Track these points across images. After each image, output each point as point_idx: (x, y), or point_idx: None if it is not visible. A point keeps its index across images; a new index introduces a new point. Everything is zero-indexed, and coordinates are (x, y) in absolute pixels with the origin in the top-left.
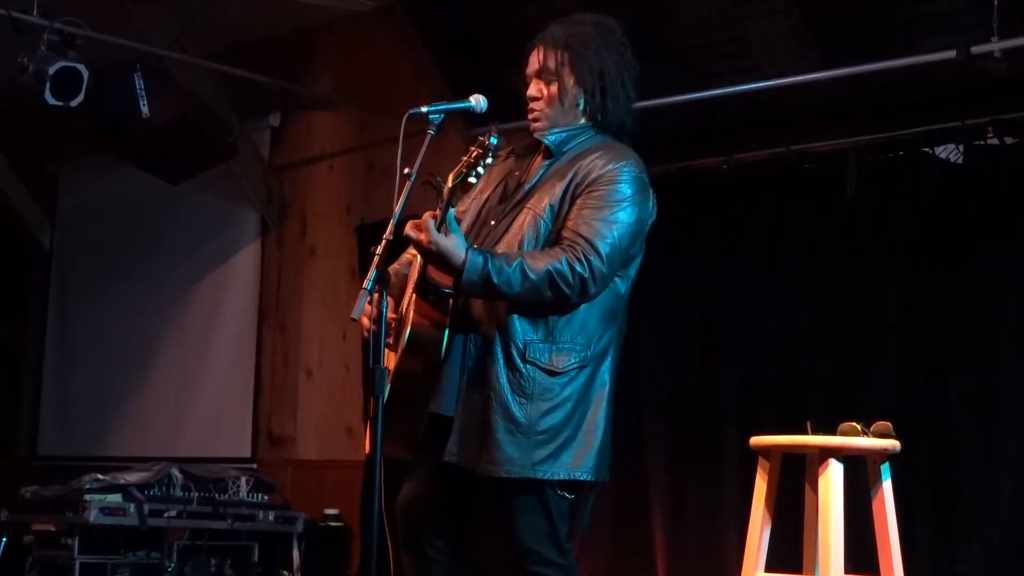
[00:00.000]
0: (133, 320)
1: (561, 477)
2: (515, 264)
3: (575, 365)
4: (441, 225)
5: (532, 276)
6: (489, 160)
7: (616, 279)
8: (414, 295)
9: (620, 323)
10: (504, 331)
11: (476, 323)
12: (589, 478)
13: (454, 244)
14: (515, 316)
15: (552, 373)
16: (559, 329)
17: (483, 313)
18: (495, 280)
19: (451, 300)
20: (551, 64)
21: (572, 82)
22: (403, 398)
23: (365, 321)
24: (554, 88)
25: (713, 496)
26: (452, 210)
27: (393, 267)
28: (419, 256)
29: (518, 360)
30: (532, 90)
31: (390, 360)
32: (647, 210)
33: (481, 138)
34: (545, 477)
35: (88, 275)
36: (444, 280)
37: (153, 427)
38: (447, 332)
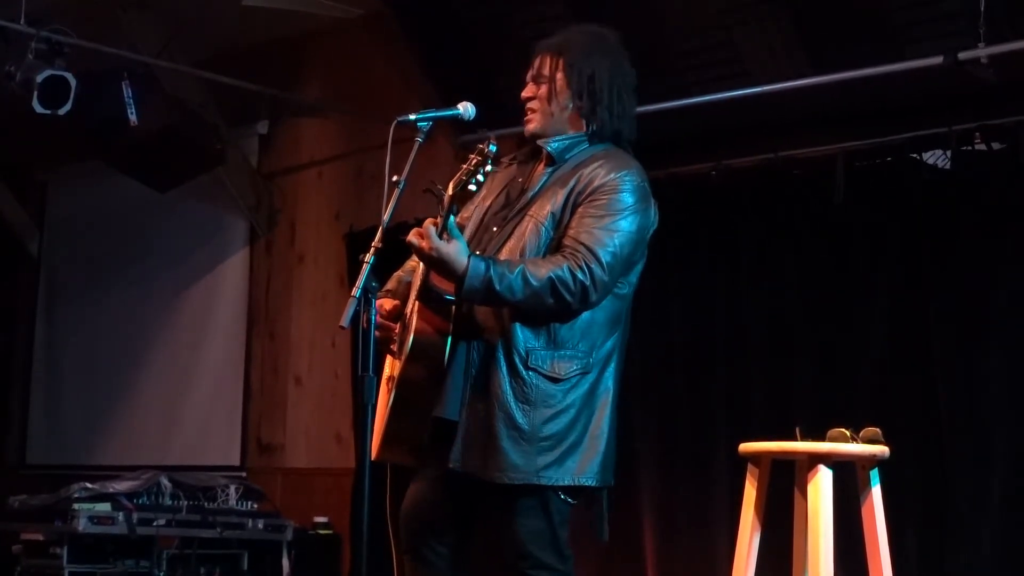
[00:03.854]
0: (122, 328)
1: (566, 483)
2: (517, 271)
3: (577, 371)
4: (443, 232)
5: (534, 283)
6: (489, 167)
7: (617, 285)
8: (417, 302)
9: (623, 329)
10: (507, 338)
11: (479, 330)
12: (594, 483)
13: (456, 250)
14: (517, 323)
15: (554, 380)
16: (561, 336)
17: (486, 320)
18: (497, 286)
19: (454, 307)
20: (545, 69)
21: (563, 85)
22: (406, 404)
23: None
24: (544, 90)
25: (703, 502)
26: (453, 218)
27: (397, 274)
28: (422, 263)
29: (520, 367)
30: (526, 91)
31: (393, 367)
32: (649, 218)
33: (480, 146)
34: (550, 483)
35: (76, 283)
36: (447, 287)
37: (142, 435)
38: (450, 339)
